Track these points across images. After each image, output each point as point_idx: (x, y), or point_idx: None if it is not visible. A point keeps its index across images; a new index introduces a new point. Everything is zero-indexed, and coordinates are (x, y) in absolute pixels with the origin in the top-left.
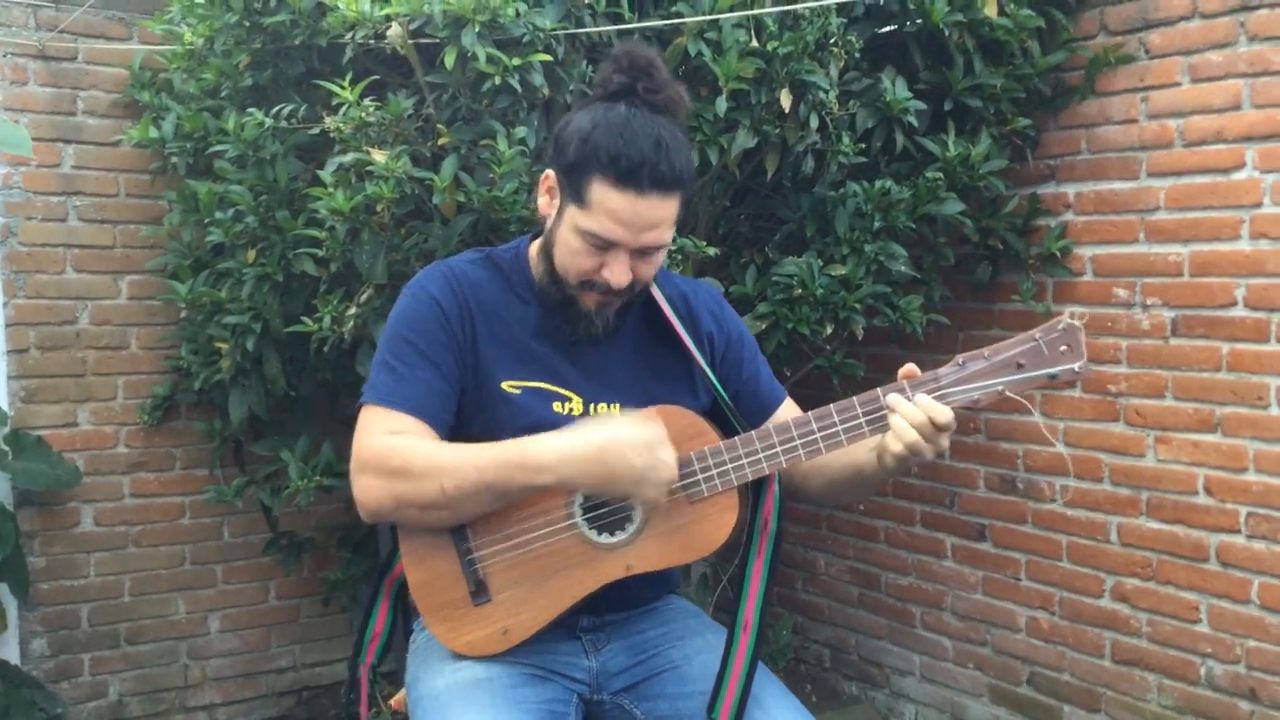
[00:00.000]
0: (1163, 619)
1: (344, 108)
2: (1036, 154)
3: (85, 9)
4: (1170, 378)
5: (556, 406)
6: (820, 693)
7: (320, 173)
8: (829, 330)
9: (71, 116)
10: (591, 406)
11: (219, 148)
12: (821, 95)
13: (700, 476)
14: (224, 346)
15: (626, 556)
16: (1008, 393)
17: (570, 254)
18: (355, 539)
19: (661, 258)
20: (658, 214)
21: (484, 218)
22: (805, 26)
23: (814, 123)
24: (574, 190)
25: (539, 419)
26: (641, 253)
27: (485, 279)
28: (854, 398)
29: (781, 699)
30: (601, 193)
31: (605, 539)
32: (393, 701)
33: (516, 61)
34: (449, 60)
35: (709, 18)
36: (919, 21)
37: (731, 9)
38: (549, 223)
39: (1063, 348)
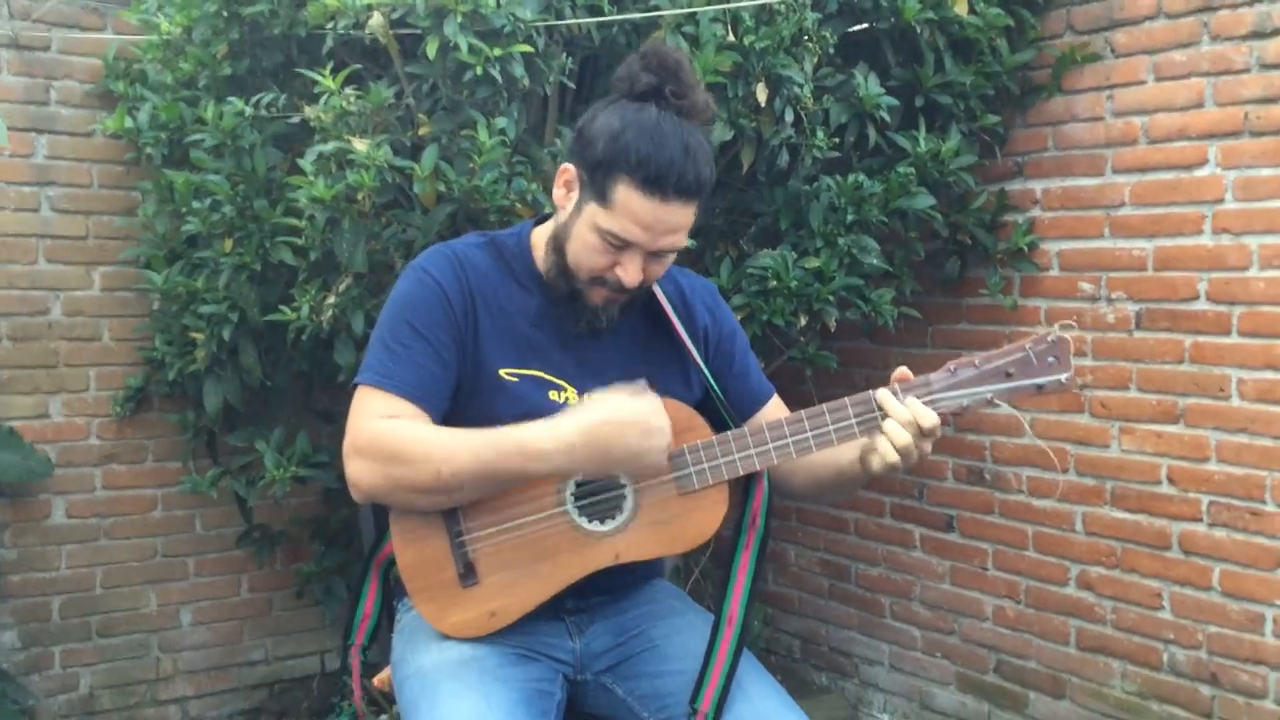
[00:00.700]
0: (1126, 606)
1: (325, 96)
2: (1005, 151)
3: None
4: (1134, 370)
5: (553, 395)
6: (790, 683)
7: (300, 161)
8: (803, 322)
9: (45, 106)
10: (586, 397)
11: (196, 137)
12: (796, 90)
13: (692, 469)
14: (199, 336)
15: (616, 545)
16: (996, 401)
17: (585, 250)
18: (329, 532)
19: (671, 259)
20: (678, 219)
21: (464, 207)
22: (781, 22)
23: (789, 117)
24: (597, 188)
25: (534, 407)
26: (656, 254)
27: (488, 264)
28: (846, 399)
29: (764, 685)
30: (627, 195)
31: (595, 527)
32: (376, 680)
33: (498, 52)
34: (431, 50)
35: (686, 11)
36: (891, 19)
37: (709, 3)
38: (564, 216)
39: (1050, 359)
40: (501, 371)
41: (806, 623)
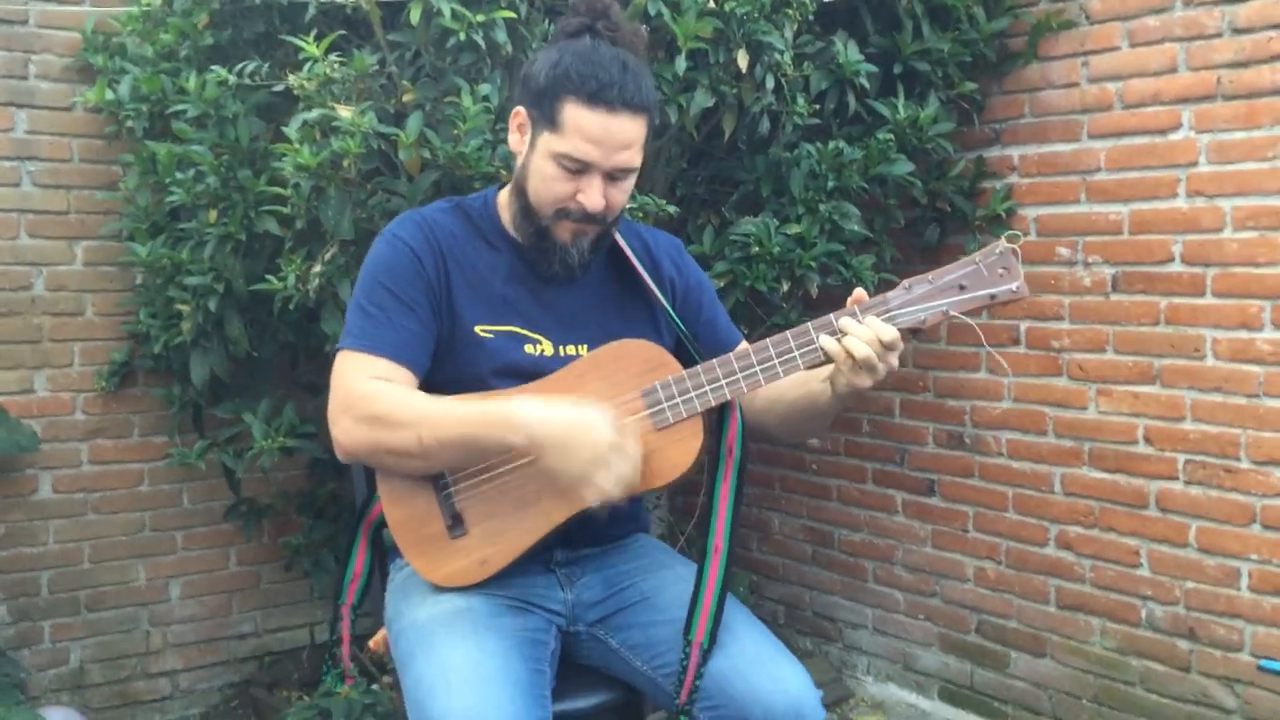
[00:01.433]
0: (1105, 564)
1: (309, 64)
2: (982, 118)
3: None
4: (1111, 332)
5: (528, 349)
6: None
7: (285, 129)
8: (785, 288)
9: (24, 81)
10: (561, 348)
11: (178, 108)
12: (777, 56)
13: (665, 404)
14: (185, 308)
15: None
16: (952, 312)
17: (545, 181)
18: (316, 505)
19: (630, 184)
20: (628, 133)
21: (448, 174)
22: None
23: (770, 84)
24: (547, 116)
25: (511, 361)
26: (612, 177)
27: (457, 226)
28: (808, 323)
29: (756, 631)
30: (574, 113)
31: None
32: (371, 643)
33: (480, 18)
34: (414, 16)
35: None
36: None
37: None
38: (520, 158)
39: (1000, 270)
40: (477, 328)
41: (790, 589)
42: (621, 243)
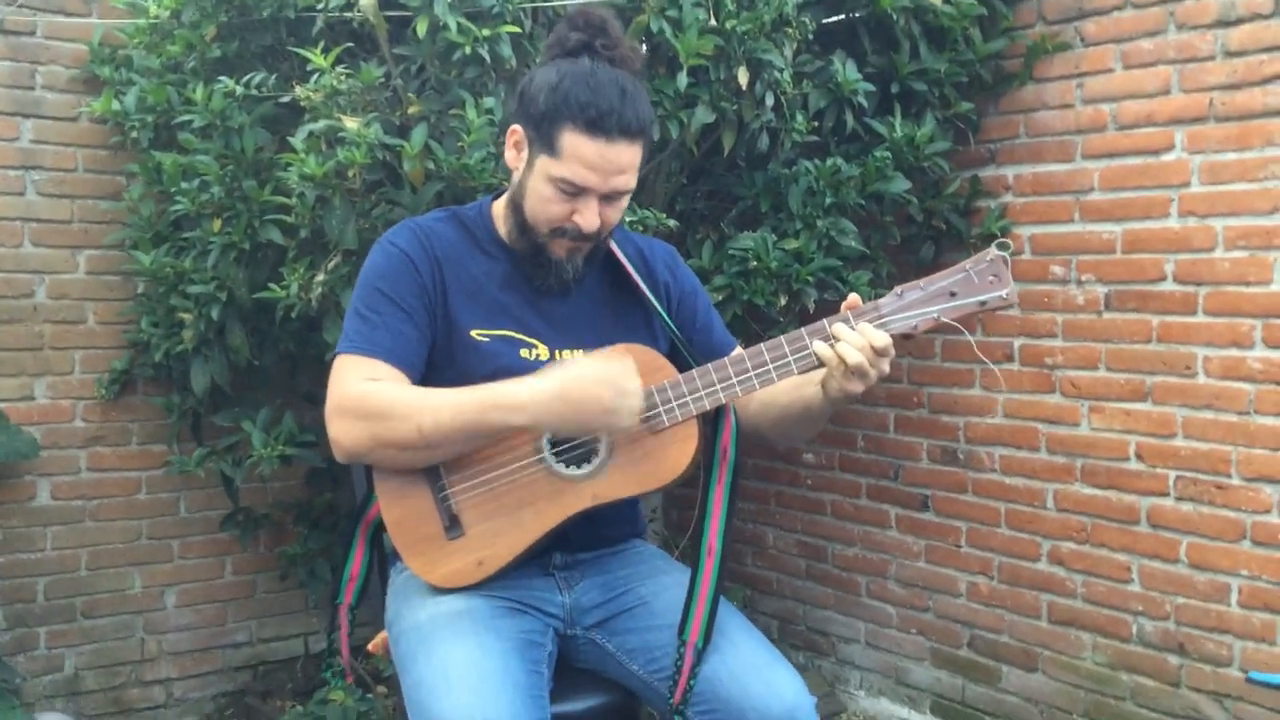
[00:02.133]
0: (1096, 580)
1: (316, 75)
2: (978, 137)
3: None
4: (1104, 350)
5: (524, 353)
6: None
7: (291, 140)
8: (783, 302)
9: (30, 91)
10: (556, 353)
11: (184, 118)
12: (777, 74)
13: (661, 408)
14: (187, 317)
15: (593, 487)
16: (943, 319)
17: (542, 202)
18: (312, 515)
19: (625, 203)
20: (625, 159)
21: (452, 185)
22: (762, 6)
23: (769, 101)
24: (545, 140)
25: (507, 365)
26: (608, 198)
27: (452, 234)
28: (802, 329)
29: (750, 637)
30: (573, 141)
31: (572, 472)
32: (370, 646)
33: (486, 33)
34: (421, 29)
35: None
36: (868, 7)
37: None
38: (517, 176)
39: (991, 277)
40: (473, 333)
41: (784, 603)
42: (616, 250)
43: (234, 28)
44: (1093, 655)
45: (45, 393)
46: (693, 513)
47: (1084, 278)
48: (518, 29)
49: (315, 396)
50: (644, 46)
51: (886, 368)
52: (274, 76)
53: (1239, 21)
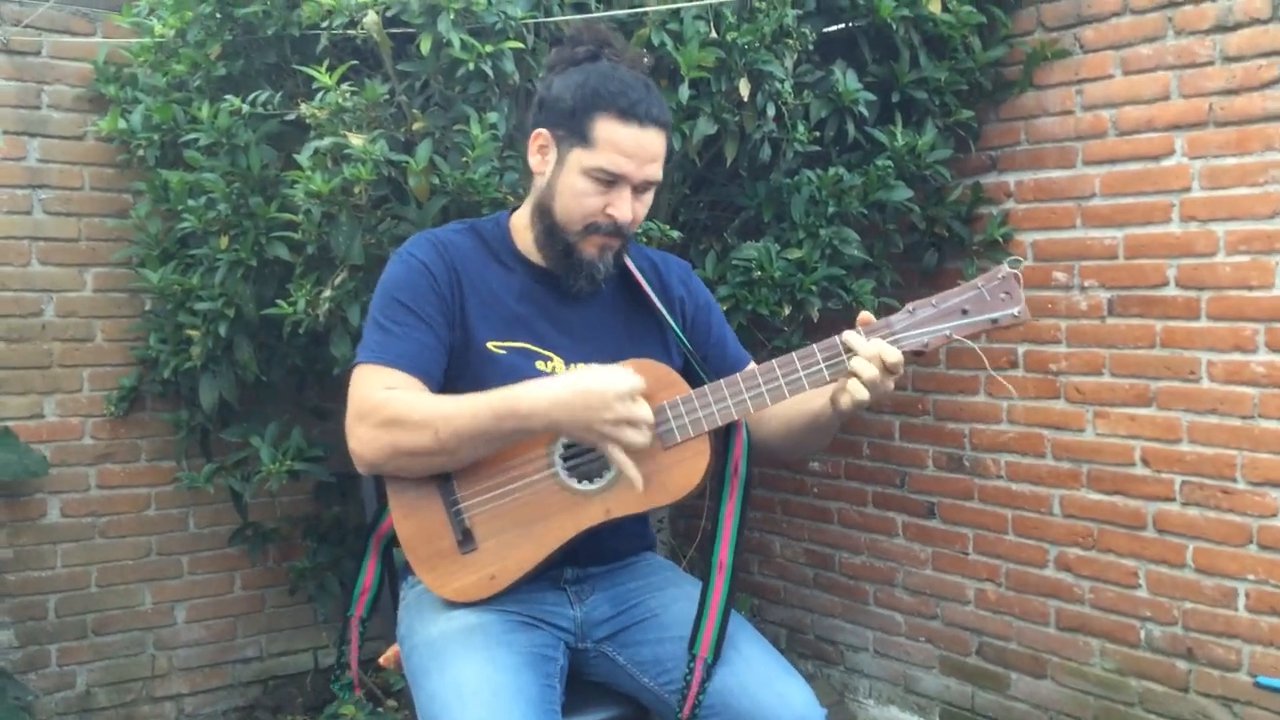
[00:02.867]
0: (1104, 586)
1: (321, 93)
2: (979, 145)
3: (50, 4)
4: (1107, 355)
5: (540, 365)
6: None
7: (297, 156)
8: (786, 312)
9: (36, 110)
10: (572, 366)
11: (190, 136)
12: (778, 85)
13: (673, 424)
14: (194, 333)
15: (605, 502)
16: (955, 336)
17: (576, 197)
18: (321, 529)
19: (650, 198)
20: (656, 147)
21: (457, 200)
22: (762, 19)
23: (771, 111)
24: (578, 132)
25: (523, 377)
26: (639, 190)
27: (470, 246)
28: (814, 345)
29: (761, 649)
30: (607, 128)
31: (584, 486)
32: (381, 660)
33: (489, 48)
34: (425, 46)
35: (671, 6)
36: (868, 17)
37: (692, 0)
38: (544, 179)
39: (1003, 295)
40: (490, 344)
41: (792, 612)
42: (631, 265)
43: (239, 46)
44: (1101, 661)
45: (54, 411)
46: (699, 522)
47: (1087, 283)
48: (520, 45)
49: (323, 411)
50: (649, 62)
51: (892, 386)
52: (279, 94)
53: (1237, 27)
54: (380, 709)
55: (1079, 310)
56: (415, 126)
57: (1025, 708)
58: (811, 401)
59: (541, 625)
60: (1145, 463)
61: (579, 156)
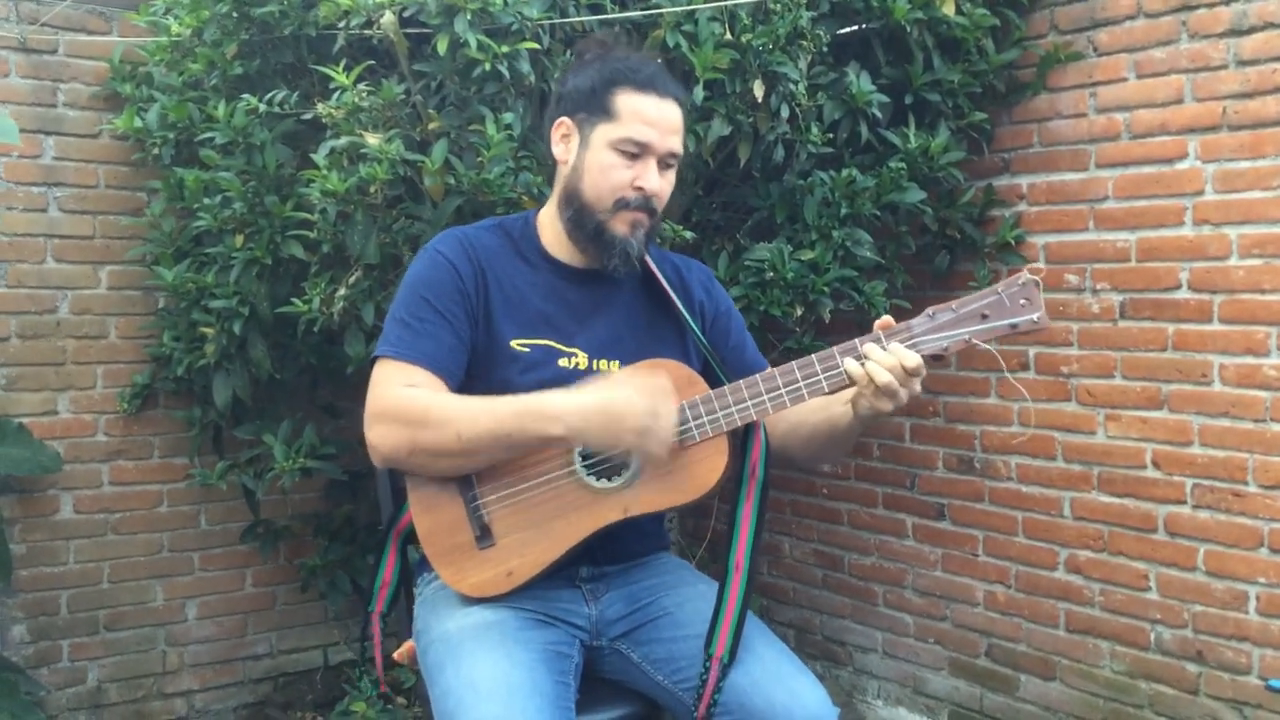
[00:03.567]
0: (1114, 588)
1: (338, 93)
2: (992, 147)
3: (66, 3)
4: (1119, 358)
5: (563, 362)
6: None
7: (313, 156)
8: (799, 313)
9: (52, 108)
10: (594, 362)
11: (206, 135)
12: (792, 87)
13: (693, 423)
14: (209, 331)
15: (624, 500)
16: (974, 341)
17: (604, 172)
18: (332, 526)
19: (674, 176)
20: (676, 118)
21: (472, 200)
22: (777, 20)
23: (784, 113)
24: (601, 109)
25: (545, 374)
26: (663, 164)
27: (496, 244)
28: (833, 348)
29: (775, 648)
30: (629, 100)
31: (603, 484)
32: (396, 655)
33: (505, 49)
34: (441, 47)
35: (686, 9)
36: (882, 19)
37: (707, 1)
38: (569, 164)
39: (1023, 301)
40: (513, 342)
41: (801, 613)
42: (654, 268)
43: (255, 45)
44: (1111, 664)
45: (68, 407)
46: (709, 522)
47: (1099, 286)
48: (536, 45)
49: (336, 409)
50: (660, 61)
51: (918, 388)
52: (295, 94)
53: (1251, 30)
54: (390, 706)
55: (1091, 313)
56: (431, 126)
57: (1034, 710)
58: (830, 407)
59: (557, 623)
60: (1156, 465)
61: (604, 131)
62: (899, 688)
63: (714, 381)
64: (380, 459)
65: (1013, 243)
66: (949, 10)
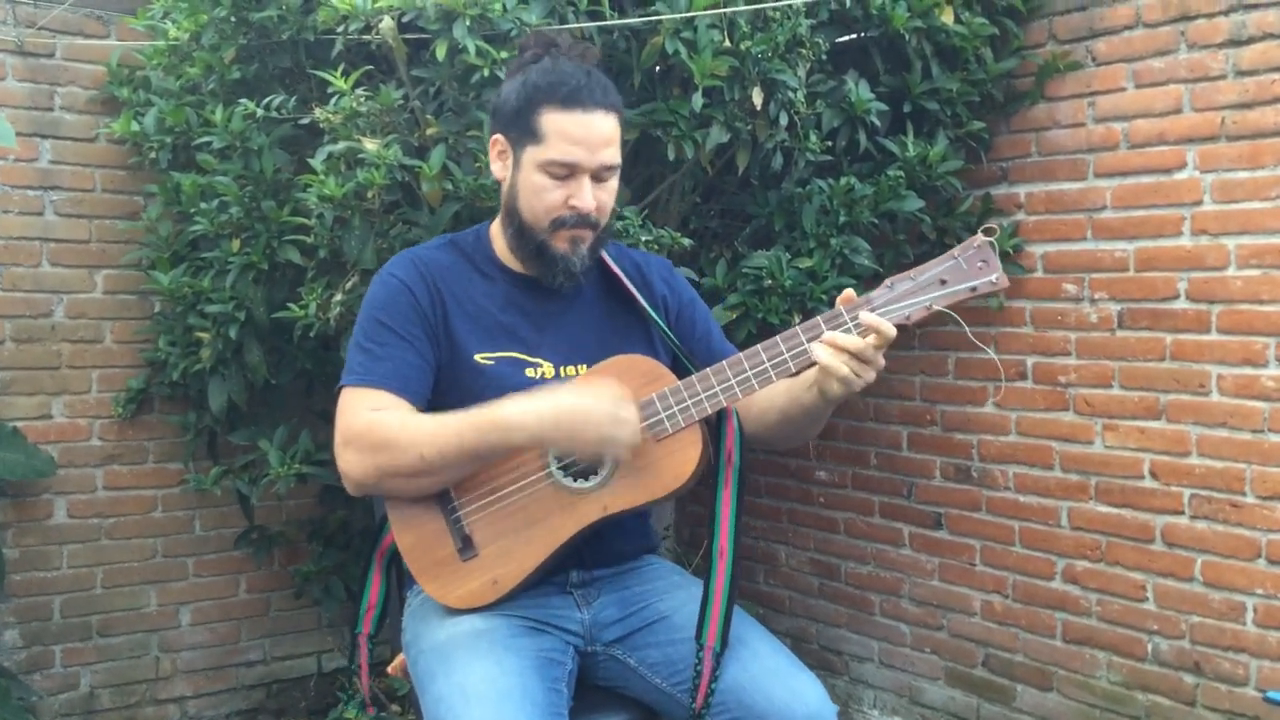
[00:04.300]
0: (1111, 598)
1: (336, 98)
2: (990, 156)
3: (64, 6)
4: (1117, 368)
5: (529, 373)
6: None
7: (310, 161)
8: (797, 320)
9: (49, 112)
10: (561, 369)
11: (204, 139)
12: (790, 94)
13: (663, 415)
14: (205, 336)
15: (602, 498)
16: (936, 307)
17: (536, 193)
18: (326, 533)
19: (615, 185)
20: (606, 130)
21: (469, 205)
22: (776, 28)
23: (783, 121)
24: (527, 130)
25: (512, 386)
26: (598, 178)
27: (450, 261)
28: (796, 326)
29: (770, 644)
30: (553, 120)
31: (580, 484)
32: (389, 669)
33: (504, 55)
34: (440, 52)
35: (685, 15)
36: (880, 28)
37: (707, 9)
38: (506, 183)
39: (980, 263)
40: (477, 356)
41: (797, 621)
42: (613, 266)
43: (253, 50)
44: (1108, 674)
45: (63, 411)
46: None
47: (1097, 296)
48: None
49: (331, 415)
50: (659, 68)
51: (882, 361)
52: (293, 98)
53: (1250, 41)
54: (384, 714)
55: (1089, 322)
56: (429, 132)
57: None
58: (796, 387)
59: (549, 630)
60: (1154, 476)
61: (532, 154)
62: (895, 697)
63: (683, 374)
64: (353, 486)
65: (1011, 252)
66: (948, 19)
